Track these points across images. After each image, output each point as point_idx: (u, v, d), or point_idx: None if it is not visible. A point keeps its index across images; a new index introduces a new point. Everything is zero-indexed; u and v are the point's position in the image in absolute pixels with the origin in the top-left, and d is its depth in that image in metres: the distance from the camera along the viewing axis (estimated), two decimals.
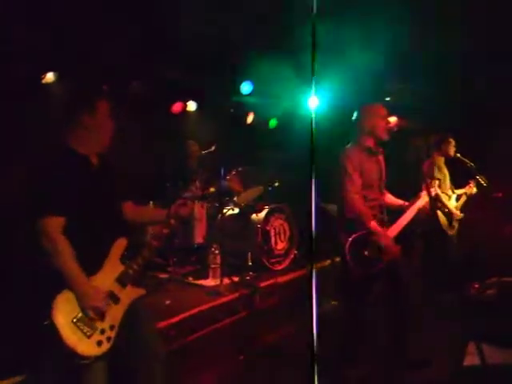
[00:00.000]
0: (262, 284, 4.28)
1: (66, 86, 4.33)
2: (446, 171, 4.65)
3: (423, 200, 3.23)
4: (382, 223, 3.09)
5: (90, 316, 1.89)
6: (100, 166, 2.14)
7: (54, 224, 1.89)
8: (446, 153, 4.63)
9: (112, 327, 1.96)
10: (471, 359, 2.95)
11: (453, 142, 4.65)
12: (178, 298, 3.90)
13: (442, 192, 4.44)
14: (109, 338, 1.93)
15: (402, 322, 3.11)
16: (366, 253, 2.96)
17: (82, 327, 1.85)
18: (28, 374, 2.39)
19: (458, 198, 4.65)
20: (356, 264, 2.95)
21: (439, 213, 4.42)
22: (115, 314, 1.99)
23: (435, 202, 3.37)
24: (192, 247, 4.92)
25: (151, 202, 4.62)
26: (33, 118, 3.94)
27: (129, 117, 4.85)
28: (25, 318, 2.09)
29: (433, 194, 3.24)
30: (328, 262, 5.06)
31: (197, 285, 4.36)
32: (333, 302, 4.77)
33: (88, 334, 1.86)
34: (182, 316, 3.41)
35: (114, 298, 2.00)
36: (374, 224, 2.98)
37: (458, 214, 4.57)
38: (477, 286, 4.35)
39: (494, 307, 3.84)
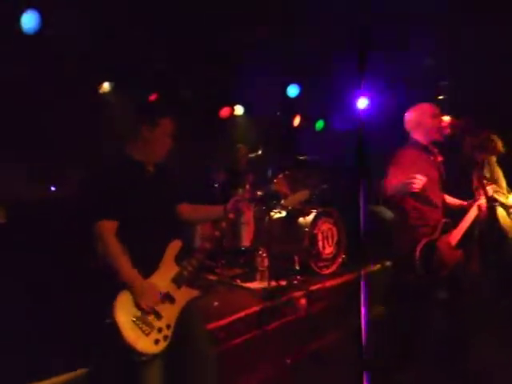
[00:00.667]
0: (310, 288, 4.25)
1: (125, 96, 4.51)
2: (498, 170, 4.42)
3: (482, 200, 3.11)
4: (446, 228, 2.99)
5: (148, 315, 1.97)
6: (156, 172, 2.23)
7: (107, 227, 1.99)
8: (495, 151, 4.40)
9: (168, 326, 2.03)
10: None
11: (497, 139, 4.42)
12: (226, 300, 3.95)
13: (497, 191, 4.23)
14: (166, 337, 2.01)
15: (462, 329, 3.00)
16: (434, 257, 2.88)
17: (140, 325, 1.94)
18: (91, 369, 2.51)
19: None
20: (425, 270, 2.87)
21: (499, 210, 4.17)
22: (171, 313, 2.07)
23: (492, 201, 3.22)
24: (239, 250, 4.97)
25: None
26: (93, 126, 4.14)
27: (180, 122, 4.99)
28: (90, 316, 2.19)
29: (489, 193, 3.10)
30: (378, 266, 4.96)
31: (244, 287, 4.39)
32: (382, 308, 4.66)
33: (146, 332, 1.95)
34: (228, 319, 3.44)
35: (169, 298, 2.08)
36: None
37: None
38: None
39: None
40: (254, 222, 4.97)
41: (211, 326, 3.27)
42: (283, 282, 4.31)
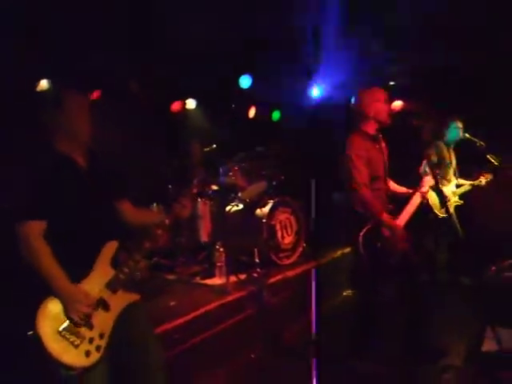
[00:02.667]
0: (271, 280, 4.19)
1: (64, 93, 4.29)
2: (449, 156, 4.50)
3: (427, 187, 3.13)
4: (389, 213, 3.00)
5: (77, 324, 1.81)
6: (88, 166, 2.06)
7: (33, 229, 1.82)
8: (452, 137, 4.50)
9: (102, 335, 1.87)
10: (489, 344, 2.85)
11: (458, 124, 4.50)
12: (184, 299, 3.85)
13: (442, 177, 4.31)
14: (98, 347, 1.84)
15: (417, 311, 3.02)
16: (378, 245, 2.88)
17: (68, 336, 1.77)
18: None
19: (458, 186, 4.52)
20: (370, 256, 2.86)
21: (430, 195, 4.25)
22: (105, 321, 1.90)
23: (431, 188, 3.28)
24: (198, 246, 4.86)
25: (154, 204, 4.57)
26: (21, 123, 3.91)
27: (128, 117, 4.83)
28: (12, 328, 2.01)
29: (429, 183, 3.14)
30: (339, 252, 4.97)
31: (204, 284, 4.29)
32: (345, 293, 4.68)
33: (75, 343, 1.78)
34: (187, 317, 3.34)
35: (103, 304, 1.91)
36: (385, 216, 2.90)
37: (453, 199, 4.44)
38: (494, 268, 4.23)
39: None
40: (211, 217, 4.87)
41: (167, 326, 3.17)
42: (243, 276, 4.23)
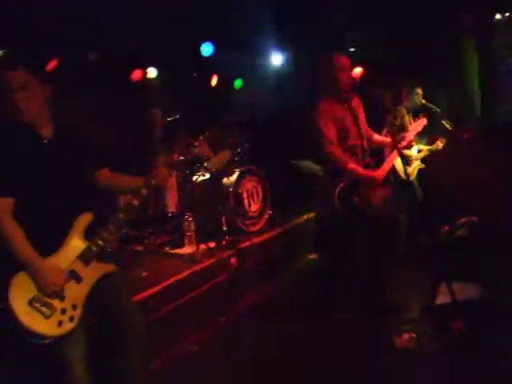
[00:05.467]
0: (239, 246, 4.30)
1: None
2: (410, 121, 4.68)
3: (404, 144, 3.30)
4: (367, 167, 3.12)
5: (48, 296, 1.85)
6: (54, 139, 2.04)
7: (1, 207, 1.83)
8: (412, 102, 4.66)
9: (74, 306, 1.92)
10: (442, 298, 3.09)
11: (417, 91, 4.66)
12: (155, 269, 3.89)
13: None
14: (72, 318, 1.90)
15: (386, 263, 3.20)
16: (356, 199, 3.00)
17: (39, 308, 1.83)
18: None
19: (419, 151, 4.73)
20: (348, 211, 2.99)
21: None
22: (78, 293, 1.95)
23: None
24: (166, 217, 4.89)
25: None
26: None
27: (86, 87, 4.69)
28: None
29: (398, 143, 3.27)
30: (304, 217, 5.13)
31: (173, 254, 4.35)
32: (311, 256, 4.88)
33: (47, 314, 1.84)
34: (159, 286, 3.41)
35: (75, 276, 1.95)
36: (351, 165, 3.01)
37: (417, 163, 4.66)
38: (447, 228, 4.50)
39: (464, 246, 4.00)
40: (178, 187, 4.88)
41: (141, 296, 3.23)
42: (212, 244, 4.32)
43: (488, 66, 5.83)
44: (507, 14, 5.53)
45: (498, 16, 5.60)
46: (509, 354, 2.59)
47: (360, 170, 3.04)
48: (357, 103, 3.26)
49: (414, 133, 3.45)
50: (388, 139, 3.44)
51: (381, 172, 3.15)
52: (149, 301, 3.29)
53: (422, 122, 3.55)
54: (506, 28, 5.64)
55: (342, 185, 3.01)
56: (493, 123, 5.70)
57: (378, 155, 3.48)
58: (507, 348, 2.63)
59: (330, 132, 3.04)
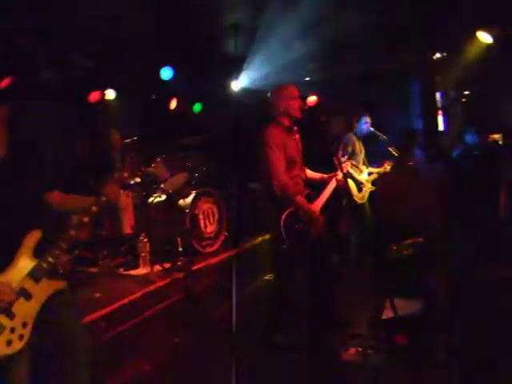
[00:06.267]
0: (194, 267, 4.34)
1: None
2: (360, 147, 4.93)
3: (339, 175, 3.44)
4: (308, 198, 3.25)
5: None
6: (10, 157, 2.05)
7: None
8: (360, 130, 4.91)
9: (25, 324, 1.90)
10: (387, 313, 3.25)
11: (367, 119, 4.93)
12: (108, 290, 3.87)
13: (354, 166, 4.72)
14: (21, 336, 1.88)
15: (327, 286, 3.34)
16: (296, 227, 3.12)
17: None
18: None
19: (369, 174, 4.98)
20: (290, 237, 3.10)
21: (350, 183, 4.68)
22: (28, 310, 1.93)
23: (348, 176, 3.62)
24: (121, 238, 4.87)
25: None
26: None
27: (42, 108, 4.66)
28: None
29: (345, 170, 3.44)
30: (259, 239, 5.23)
31: (128, 275, 4.34)
32: (267, 277, 4.96)
33: None
34: (112, 307, 3.39)
35: (25, 294, 1.93)
36: (299, 198, 3.13)
37: (368, 186, 4.90)
38: (395, 247, 4.72)
39: (408, 265, 4.21)
40: (134, 208, 4.89)
41: (92, 316, 3.21)
42: (167, 265, 4.34)
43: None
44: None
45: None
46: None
47: (306, 204, 3.15)
48: (299, 136, 3.40)
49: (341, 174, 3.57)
50: (319, 175, 3.57)
51: (317, 204, 3.30)
52: (101, 321, 3.27)
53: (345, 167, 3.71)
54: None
55: (287, 211, 3.12)
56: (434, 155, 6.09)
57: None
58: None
59: (279, 161, 3.13)
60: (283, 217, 3.08)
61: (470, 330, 2.91)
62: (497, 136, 5.40)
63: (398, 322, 3.06)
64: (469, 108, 6.33)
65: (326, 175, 3.52)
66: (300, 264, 3.32)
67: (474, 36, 5.35)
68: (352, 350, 3.04)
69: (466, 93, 6.44)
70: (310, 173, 3.55)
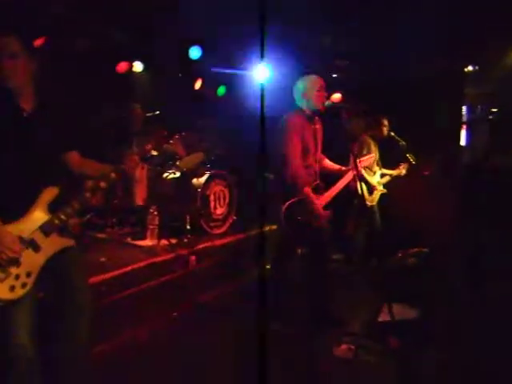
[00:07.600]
0: (199, 246, 4.39)
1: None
2: (375, 150, 4.91)
3: (351, 174, 3.45)
4: (317, 190, 3.27)
5: (3, 261, 1.91)
6: (35, 111, 2.11)
7: None
8: (378, 133, 4.89)
9: (29, 274, 1.97)
10: (384, 316, 3.28)
11: (385, 123, 4.90)
12: (113, 257, 3.94)
13: (367, 168, 4.72)
14: (24, 284, 1.95)
15: (323, 282, 3.37)
16: (299, 218, 3.15)
17: None
18: None
19: (382, 175, 4.96)
20: (290, 228, 3.13)
21: (362, 185, 4.66)
22: (34, 261, 2.00)
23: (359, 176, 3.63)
24: (132, 209, 4.94)
25: None
26: None
27: (75, 71, 4.72)
28: None
29: (359, 169, 3.46)
30: (267, 227, 5.26)
31: (134, 245, 4.41)
32: (268, 266, 5.00)
33: (1, 278, 1.89)
34: (114, 273, 3.46)
35: (34, 245, 2.00)
36: (307, 190, 3.15)
37: (379, 188, 4.89)
38: (400, 254, 4.74)
39: (413, 273, 4.23)
40: (148, 182, 4.96)
41: (95, 279, 3.28)
42: (174, 241, 4.40)
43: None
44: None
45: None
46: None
47: (312, 197, 3.15)
48: (320, 127, 3.41)
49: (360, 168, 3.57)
50: (337, 166, 3.58)
51: (326, 197, 3.31)
52: (103, 285, 3.34)
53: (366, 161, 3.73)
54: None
55: (291, 201, 3.14)
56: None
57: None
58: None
59: (296, 148, 3.16)
60: (285, 206, 3.11)
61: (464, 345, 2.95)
62: None
63: (394, 326, 3.08)
64: (496, 126, 6.24)
65: (344, 167, 3.54)
66: (296, 256, 3.36)
67: (509, 51, 5.27)
68: (344, 347, 3.08)
69: (495, 110, 6.34)
70: (329, 163, 3.57)
